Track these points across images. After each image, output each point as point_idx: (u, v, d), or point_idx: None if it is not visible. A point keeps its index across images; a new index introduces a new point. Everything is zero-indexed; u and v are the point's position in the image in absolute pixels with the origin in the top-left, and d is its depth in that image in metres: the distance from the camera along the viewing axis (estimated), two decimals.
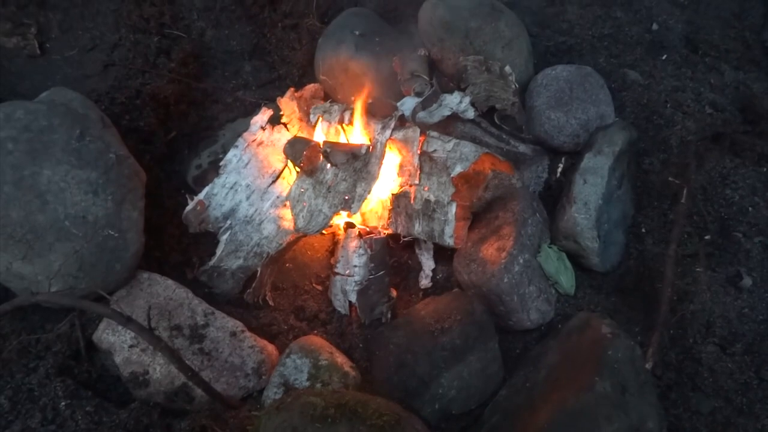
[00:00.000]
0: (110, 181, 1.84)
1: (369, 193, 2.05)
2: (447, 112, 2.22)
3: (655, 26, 2.88)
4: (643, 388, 1.73)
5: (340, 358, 1.90)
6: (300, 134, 2.33)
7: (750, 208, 2.37)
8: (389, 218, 2.20)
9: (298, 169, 2.14)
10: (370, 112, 2.28)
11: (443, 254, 2.28)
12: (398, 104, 2.34)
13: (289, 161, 2.21)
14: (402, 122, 2.28)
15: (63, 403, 1.65)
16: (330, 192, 2.07)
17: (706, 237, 2.34)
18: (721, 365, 2.07)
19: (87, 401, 1.68)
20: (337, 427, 1.53)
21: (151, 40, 2.45)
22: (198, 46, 2.59)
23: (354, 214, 2.09)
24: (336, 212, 2.05)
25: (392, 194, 2.18)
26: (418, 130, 2.18)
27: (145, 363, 1.79)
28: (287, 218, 2.16)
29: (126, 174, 1.90)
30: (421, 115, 2.28)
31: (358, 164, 2.10)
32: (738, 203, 2.38)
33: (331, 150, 2.06)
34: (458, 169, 2.03)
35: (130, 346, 1.80)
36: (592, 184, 2.12)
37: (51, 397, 1.67)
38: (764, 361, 2.06)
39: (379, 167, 2.13)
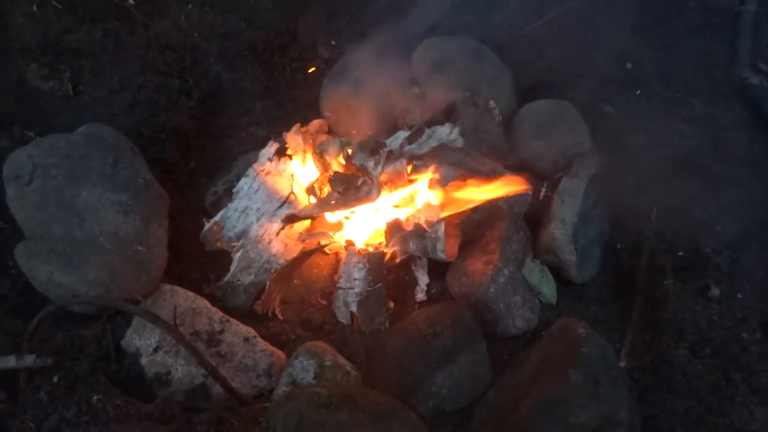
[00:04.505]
0: (139, 203, 2.08)
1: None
2: (435, 143, 2.48)
3: (629, 65, 3.15)
4: (615, 383, 1.90)
5: (343, 360, 2.10)
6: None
7: (718, 227, 2.60)
8: (386, 240, 2.43)
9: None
10: (365, 149, 2.56)
11: (437, 271, 2.49)
12: (388, 140, 2.61)
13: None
14: (392, 156, 2.55)
15: (95, 398, 1.84)
16: None
17: (680, 253, 2.55)
18: (692, 368, 2.24)
19: (116, 396, 1.87)
20: (339, 413, 1.72)
21: (173, 82, 2.71)
22: (215, 87, 2.85)
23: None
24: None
25: (386, 223, 2.41)
26: (404, 162, 2.44)
27: (168, 364, 1.99)
28: (292, 237, 2.40)
29: (152, 196, 2.14)
30: (410, 147, 2.54)
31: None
32: (706, 222, 2.60)
33: (334, 179, 2.35)
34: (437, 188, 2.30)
35: (155, 349, 2.00)
36: (568, 204, 2.35)
37: (84, 393, 1.86)
38: (731, 362, 2.24)
39: (378, 193, 2.40)
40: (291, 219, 2.36)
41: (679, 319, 2.32)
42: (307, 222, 2.49)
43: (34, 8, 2.72)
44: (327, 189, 2.46)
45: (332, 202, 2.36)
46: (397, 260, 2.46)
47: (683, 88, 3.12)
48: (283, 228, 2.38)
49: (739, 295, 2.43)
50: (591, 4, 3.05)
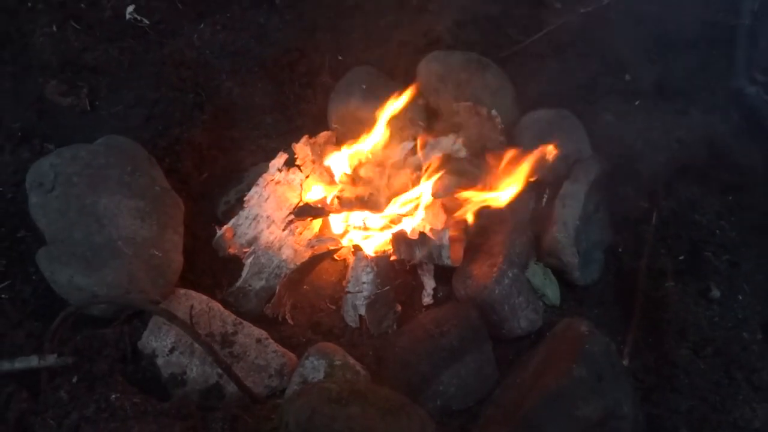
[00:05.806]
0: (155, 209, 2.17)
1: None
2: (439, 154, 2.57)
3: (627, 77, 3.23)
4: (617, 378, 1.96)
5: (352, 360, 2.15)
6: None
7: (717, 231, 2.66)
8: (393, 248, 2.50)
9: None
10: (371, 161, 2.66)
11: (443, 276, 2.55)
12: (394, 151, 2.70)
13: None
14: (398, 166, 2.64)
15: (114, 396, 1.90)
16: None
17: (680, 257, 2.61)
18: (695, 367, 2.29)
19: (134, 395, 1.94)
20: (349, 408, 1.77)
21: (186, 97, 2.80)
22: (227, 102, 2.94)
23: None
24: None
25: (392, 234, 2.48)
26: (409, 172, 2.53)
27: (183, 364, 2.05)
28: (301, 243, 2.48)
29: (168, 204, 2.23)
30: (414, 158, 2.63)
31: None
32: (706, 227, 2.66)
33: (341, 197, 2.46)
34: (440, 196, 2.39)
35: (171, 350, 2.06)
36: (570, 207, 2.42)
37: (103, 391, 1.93)
38: (732, 361, 2.28)
39: (386, 203, 2.49)
40: (303, 212, 2.43)
41: (680, 320, 2.38)
42: (316, 228, 2.57)
43: (54, 28, 2.84)
44: (336, 203, 2.54)
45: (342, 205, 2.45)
46: (406, 267, 2.54)
47: (682, 99, 3.18)
48: (293, 221, 2.44)
49: (740, 297, 2.49)
50: (589, 18, 3.15)
